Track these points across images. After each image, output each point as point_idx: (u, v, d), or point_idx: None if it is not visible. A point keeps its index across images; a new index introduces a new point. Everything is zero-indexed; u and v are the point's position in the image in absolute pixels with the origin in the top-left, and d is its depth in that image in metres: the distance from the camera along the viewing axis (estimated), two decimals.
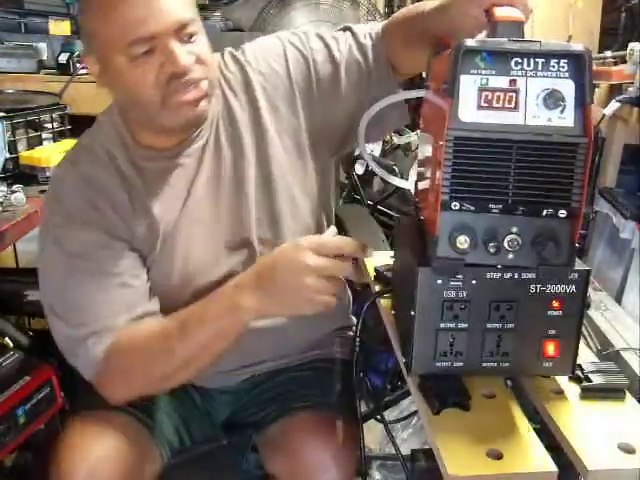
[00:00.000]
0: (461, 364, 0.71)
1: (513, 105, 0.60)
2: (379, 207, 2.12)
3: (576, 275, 0.68)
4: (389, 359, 1.54)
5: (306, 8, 2.06)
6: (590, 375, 0.73)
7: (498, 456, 0.63)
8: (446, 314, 0.69)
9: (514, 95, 0.60)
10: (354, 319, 1.18)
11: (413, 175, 0.81)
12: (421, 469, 0.71)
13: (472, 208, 0.62)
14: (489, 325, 0.69)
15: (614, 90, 1.48)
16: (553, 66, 0.60)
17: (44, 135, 1.60)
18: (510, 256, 0.63)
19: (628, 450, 0.64)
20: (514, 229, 0.62)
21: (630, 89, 1.34)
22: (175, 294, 0.95)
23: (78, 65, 1.95)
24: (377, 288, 0.92)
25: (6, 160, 1.48)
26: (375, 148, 2.06)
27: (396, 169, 1.95)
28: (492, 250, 0.63)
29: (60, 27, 2.02)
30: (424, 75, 0.80)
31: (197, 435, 1.05)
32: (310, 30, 1.03)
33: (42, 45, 2.05)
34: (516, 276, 0.68)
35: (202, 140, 0.96)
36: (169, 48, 0.84)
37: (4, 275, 1.60)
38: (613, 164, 1.50)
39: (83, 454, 0.90)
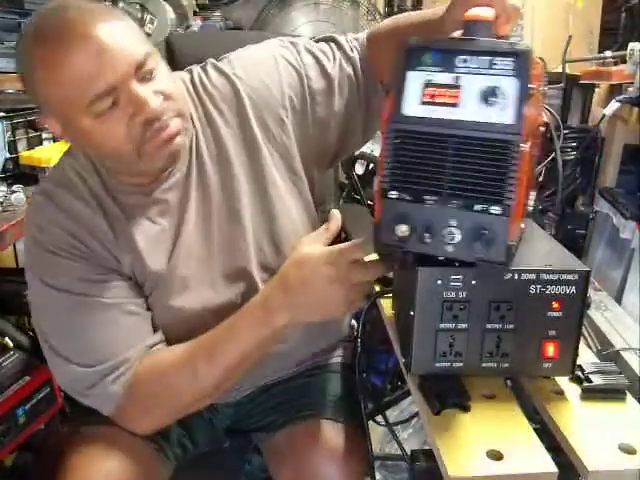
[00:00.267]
0: (461, 364, 0.71)
1: (455, 101, 0.62)
2: None
3: (576, 276, 0.68)
4: (389, 359, 1.54)
5: (306, 8, 2.05)
6: (590, 376, 0.73)
7: (498, 457, 0.63)
8: (446, 314, 0.69)
9: (456, 91, 0.62)
10: (354, 322, 1.18)
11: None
12: (421, 469, 0.71)
13: (409, 198, 0.64)
14: (489, 325, 0.69)
15: (614, 90, 1.48)
16: (497, 64, 0.61)
17: (44, 135, 1.60)
18: (449, 249, 0.64)
19: (628, 451, 0.64)
20: (452, 222, 0.63)
21: (630, 89, 1.34)
22: (173, 327, 0.91)
23: None
24: (377, 288, 0.92)
25: (6, 160, 1.48)
26: (375, 148, 2.06)
27: None
28: (428, 241, 0.64)
29: None
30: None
31: (201, 442, 1.04)
32: (298, 41, 0.97)
33: None
34: (516, 277, 0.68)
35: (180, 172, 0.89)
36: (135, 94, 0.77)
37: (4, 275, 1.59)
38: (613, 164, 1.50)
39: (87, 475, 0.88)
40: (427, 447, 0.71)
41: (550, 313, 0.69)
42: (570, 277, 0.68)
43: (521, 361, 0.71)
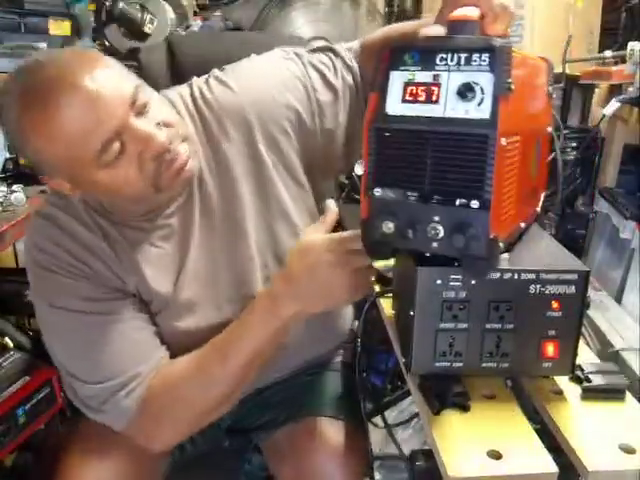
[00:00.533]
0: (461, 364, 0.71)
1: (434, 98, 0.62)
2: None
3: (576, 276, 0.68)
4: (389, 359, 1.54)
5: (306, 8, 2.05)
6: (590, 376, 0.73)
7: (498, 457, 0.63)
8: (445, 314, 0.69)
9: (436, 89, 0.63)
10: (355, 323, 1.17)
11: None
12: (421, 469, 0.72)
13: (393, 195, 0.65)
14: (488, 325, 0.69)
15: (614, 90, 1.48)
16: (475, 60, 0.61)
17: None
18: (434, 244, 0.64)
19: (628, 450, 0.64)
20: (435, 218, 0.63)
21: (630, 89, 1.33)
22: (179, 344, 0.90)
23: None
24: (377, 288, 0.92)
25: (6, 160, 1.48)
26: None
27: None
28: (412, 237, 0.65)
29: (60, 27, 2.02)
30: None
31: (199, 442, 1.04)
32: (302, 53, 0.96)
33: (42, 45, 2.05)
34: (515, 276, 0.68)
35: (182, 196, 0.88)
36: (139, 132, 0.75)
37: (4, 275, 1.59)
38: (613, 164, 1.50)
39: (86, 475, 0.89)
40: (427, 447, 0.71)
41: (550, 313, 0.69)
42: (570, 277, 0.68)
43: (521, 361, 0.71)
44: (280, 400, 1.04)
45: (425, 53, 0.64)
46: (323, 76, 0.94)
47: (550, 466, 0.62)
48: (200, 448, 1.04)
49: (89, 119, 0.73)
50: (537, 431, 0.68)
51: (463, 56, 0.62)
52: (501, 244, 0.64)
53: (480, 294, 0.68)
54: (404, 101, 0.64)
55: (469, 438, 0.65)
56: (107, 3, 1.83)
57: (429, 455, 0.69)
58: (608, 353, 1.00)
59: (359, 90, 0.95)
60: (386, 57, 0.66)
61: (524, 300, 0.69)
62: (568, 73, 1.52)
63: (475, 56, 0.61)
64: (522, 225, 0.77)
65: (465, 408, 0.70)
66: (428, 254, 0.67)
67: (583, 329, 0.82)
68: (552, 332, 0.70)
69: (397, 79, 0.65)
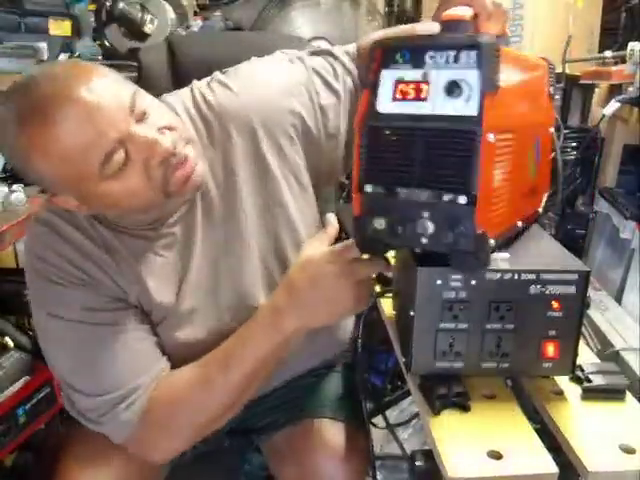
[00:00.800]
0: (461, 364, 0.71)
1: (424, 96, 0.63)
2: None
3: (576, 276, 0.68)
4: (389, 359, 1.54)
5: (306, 8, 2.05)
6: (591, 376, 0.73)
7: (498, 457, 0.63)
8: (446, 314, 0.69)
9: (425, 87, 0.63)
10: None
11: None
12: (421, 469, 0.71)
13: (383, 191, 0.66)
14: (489, 326, 0.69)
15: (614, 90, 1.48)
16: (462, 58, 0.62)
17: None
18: (424, 240, 0.64)
19: (629, 451, 0.64)
20: (425, 214, 0.64)
21: (630, 89, 1.33)
22: (180, 355, 0.89)
23: None
24: (377, 288, 0.92)
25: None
26: None
27: None
28: (403, 233, 0.65)
29: (60, 27, 2.02)
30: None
31: (200, 445, 1.04)
32: (303, 56, 0.95)
33: (42, 45, 2.04)
34: (516, 277, 0.68)
35: (185, 205, 0.87)
36: (142, 139, 0.74)
37: (4, 275, 1.59)
38: (613, 164, 1.50)
39: (86, 474, 0.89)
40: (427, 447, 0.71)
41: (550, 313, 0.69)
42: (570, 277, 0.68)
43: (521, 361, 0.71)
44: (281, 402, 1.04)
45: (415, 51, 0.64)
46: (325, 80, 0.94)
47: (550, 466, 0.62)
48: (199, 449, 1.04)
49: (89, 131, 0.72)
50: (537, 431, 0.68)
51: (451, 54, 0.62)
52: (492, 241, 0.64)
53: (480, 294, 0.68)
54: (395, 99, 0.65)
55: (469, 438, 0.65)
56: (107, 3, 1.83)
57: (429, 455, 0.69)
58: (608, 353, 1.00)
59: (358, 93, 0.94)
60: (378, 56, 0.67)
61: (524, 300, 0.69)
62: (568, 73, 1.52)
63: (463, 53, 0.62)
64: (519, 224, 0.77)
65: (465, 408, 0.70)
66: (417, 250, 0.68)
67: (583, 329, 0.82)
68: (552, 332, 0.70)
69: (388, 77, 0.66)
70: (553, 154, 0.89)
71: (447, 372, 0.71)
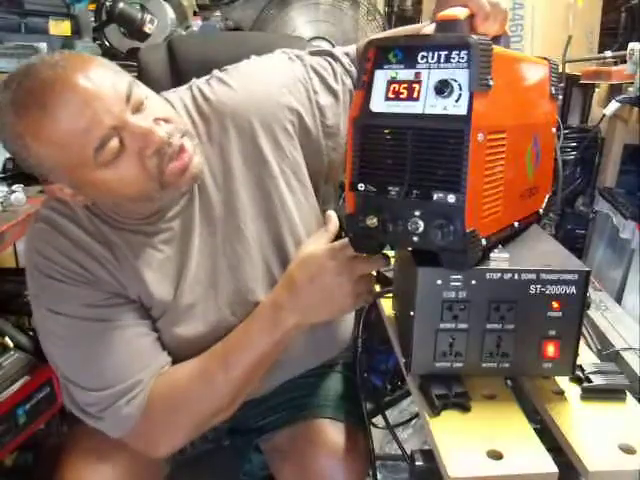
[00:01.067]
0: (461, 365, 0.71)
1: (415, 95, 0.64)
2: None
3: (576, 276, 0.68)
4: (389, 359, 1.54)
5: (306, 8, 2.05)
6: (591, 376, 0.73)
7: (498, 457, 0.63)
8: (446, 314, 0.69)
9: (417, 86, 0.64)
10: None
11: None
12: (421, 469, 0.71)
13: (375, 190, 0.67)
14: (489, 326, 0.69)
15: (614, 90, 1.48)
16: (453, 57, 0.62)
17: None
18: (415, 239, 0.65)
19: (629, 451, 0.64)
20: (416, 212, 0.64)
21: (630, 89, 1.33)
22: (179, 350, 0.89)
23: None
24: (377, 288, 0.92)
25: (6, 160, 1.47)
26: None
27: None
28: (395, 231, 0.66)
29: (60, 27, 2.02)
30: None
31: (198, 443, 1.04)
32: (303, 55, 0.96)
33: (42, 45, 2.04)
34: (516, 277, 0.68)
35: (183, 198, 0.87)
36: (137, 127, 0.74)
37: (4, 275, 1.59)
38: (613, 164, 1.50)
39: (86, 474, 0.88)
40: (427, 447, 0.71)
41: (550, 313, 0.69)
42: (570, 277, 0.68)
43: (521, 361, 0.71)
44: (281, 402, 1.04)
45: (408, 51, 0.65)
46: (324, 80, 0.94)
47: (550, 466, 0.62)
48: (199, 448, 1.04)
49: (85, 116, 0.72)
50: (537, 431, 0.68)
51: (443, 54, 0.63)
52: (484, 241, 0.65)
53: (480, 294, 0.68)
54: (387, 99, 0.66)
55: (469, 438, 0.65)
56: (107, 3, 1.83)
57: (429, 455, 0.69)
58: (608, 353, 1.00)
59: None
60: (371, 56, 0.67)
61: (524, 300, 0.69)
62: (568, 73, 1.52)
63: (454, 53, 0.62)
64: (516, 224, 0.77)
65: (465, 408, 0.70)
66: (410, 248, 0.68)
67: (583, 329, 0.82)
68: (552, 332, 0.70)
69: (381, 77, 0.66)
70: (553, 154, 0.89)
71: (447, 372, 0.71)
